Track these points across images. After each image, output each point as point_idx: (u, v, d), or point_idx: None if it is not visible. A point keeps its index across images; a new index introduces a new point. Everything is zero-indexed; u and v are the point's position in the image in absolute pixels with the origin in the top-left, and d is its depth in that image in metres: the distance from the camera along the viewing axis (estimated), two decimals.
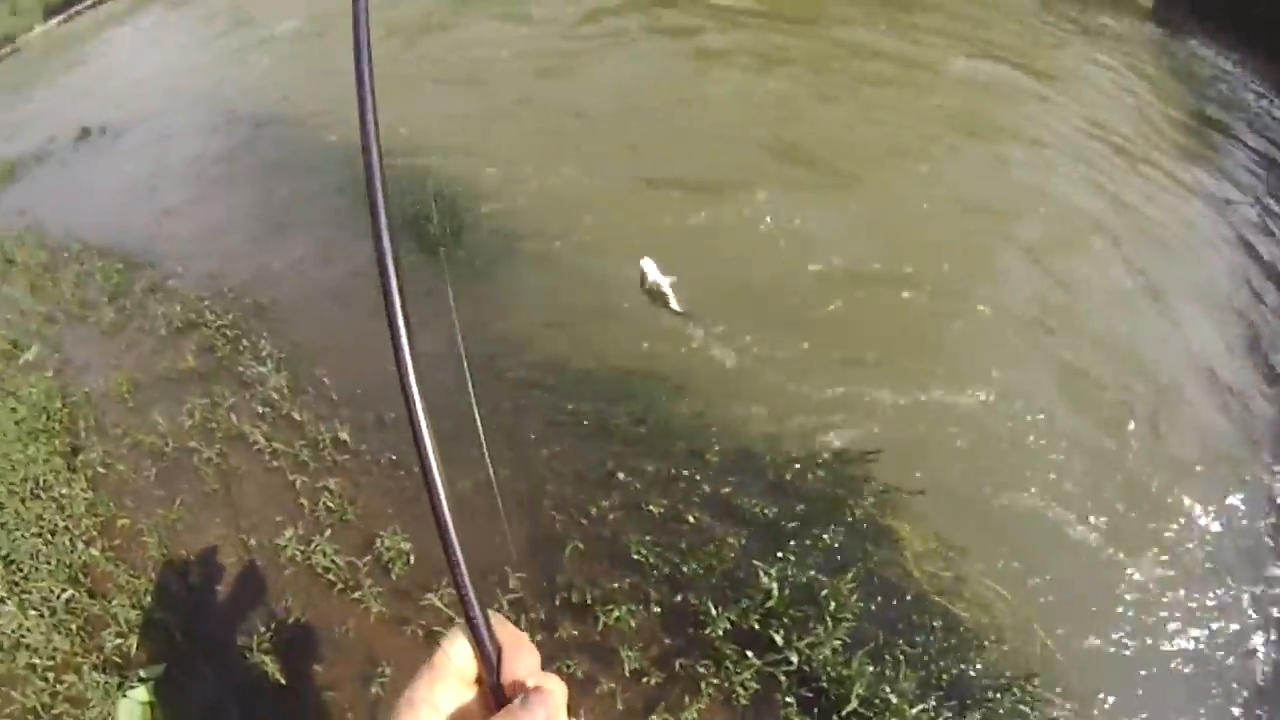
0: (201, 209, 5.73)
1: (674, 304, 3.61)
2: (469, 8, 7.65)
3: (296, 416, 3.92)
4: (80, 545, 3.85)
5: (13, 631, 3.82)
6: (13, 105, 9.68)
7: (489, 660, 0.46)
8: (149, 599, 3.59)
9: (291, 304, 4.48)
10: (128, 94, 8.27)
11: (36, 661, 3.73)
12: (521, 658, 0.47)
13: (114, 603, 3.66)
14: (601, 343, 3.61)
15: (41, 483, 4.27)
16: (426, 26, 7.17)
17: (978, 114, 5.06)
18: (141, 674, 3.40)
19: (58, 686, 3.57)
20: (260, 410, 4.04)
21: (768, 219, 3.92)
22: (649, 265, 3.75)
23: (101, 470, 4.15)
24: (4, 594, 3.94)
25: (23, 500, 4.24)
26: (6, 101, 9.83)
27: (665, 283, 3.64)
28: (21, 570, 4.03)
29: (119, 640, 3.50)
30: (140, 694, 3.39)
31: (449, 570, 0.47)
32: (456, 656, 0.48)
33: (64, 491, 4.11)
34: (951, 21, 6.40)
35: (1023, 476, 2.74)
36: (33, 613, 3.84)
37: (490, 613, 0.49)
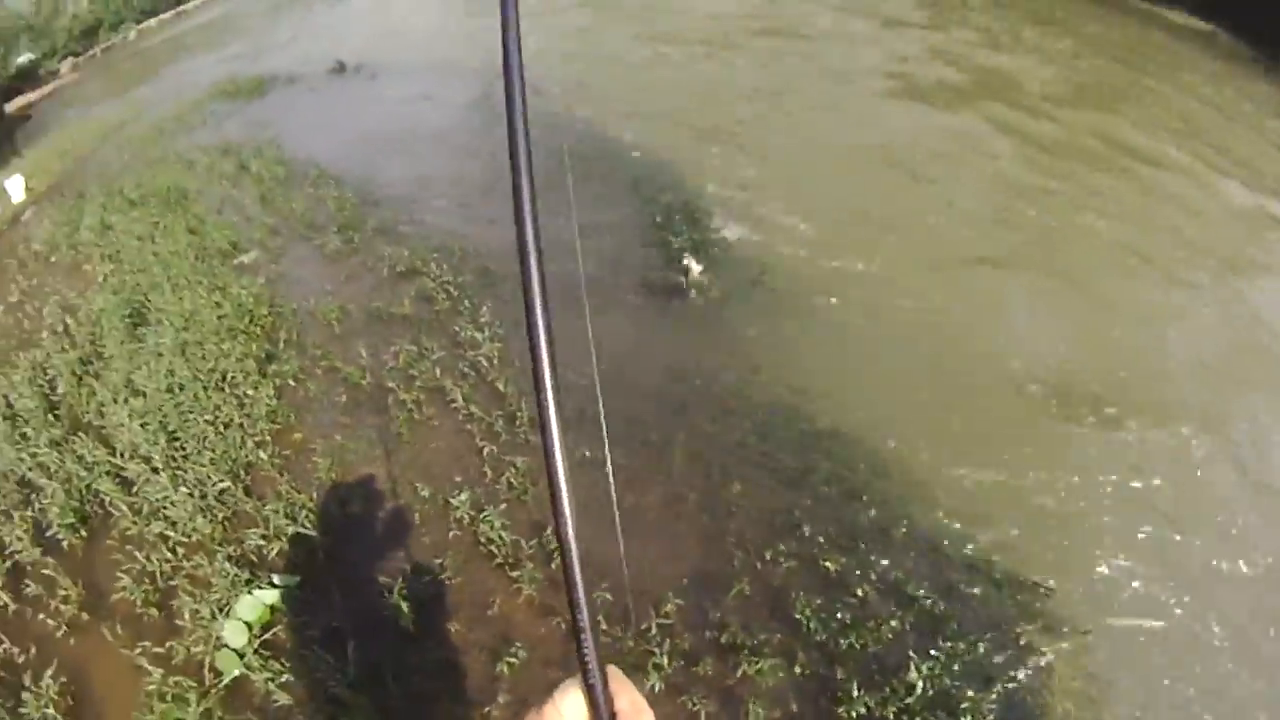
0: (445, 165, 7.39)
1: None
2: None
3: (500, 388, 4.70)
4: (250, 444, 4.68)
5: (156, 499, 4.82)
6: (270, 30, 13.35)
7: None
8: (303, 514, 4.22)
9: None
10: (385, 40, 11.34)
11: (171, 534, 4.56)
12: None
13: (267, 507, 4.42)
14: (824, 402, 4.32)
15: (228, 378, 5.16)
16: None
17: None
18: (275, 579, 3.93)
19: (184, 563, 4.40)
20: (465, 371, 4.85)
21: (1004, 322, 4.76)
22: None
23: (291, 383, 5.12)
24: (160, 465, 5.02)
25: (205, 388, 5.17)
26: (264, 25, 13.62)
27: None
28: (184, 450, 5.03)
29: (261, 542, 4.11)
30: (267, 595, 3.85)
31: (573, 631, 0.54)
32: (568, 713, 0.54)
33: (249, 392, 5.05)
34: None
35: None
36: (183, 490, 4.80)
37: (611, 669, 0.55)
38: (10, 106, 18.79)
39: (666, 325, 5.22)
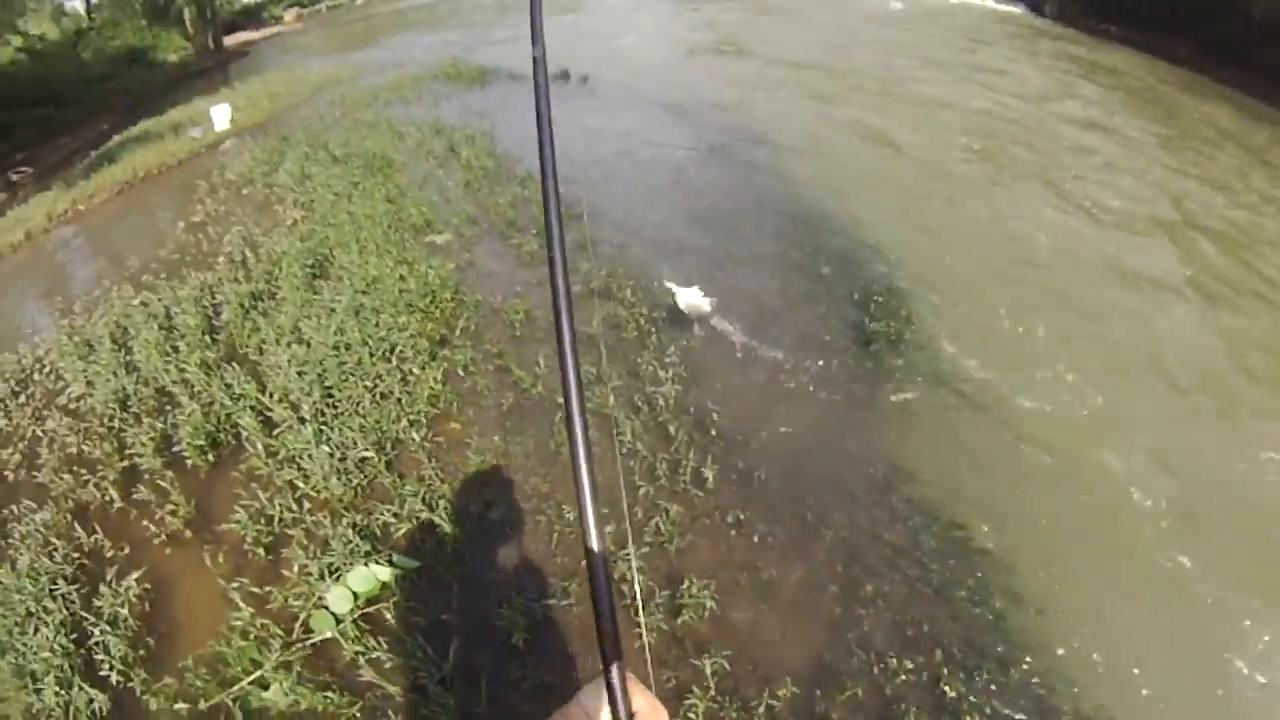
0: (655, 193, 9.13)
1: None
2: None
3: (671, 430, 5.56)
4: (404, 422, 5.65)
5: (294, 447, 6.34)
6: (494, 25, 16.74)
7: None
8: (441, 504, 4.95)
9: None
10: (612, 56, 14.09)
11: (300, 485, 5.86)
12: None
13: (406, 486, 5.53)
14: (986, 523, 5.06)
15: (397, 350, 6.21)
16: None
17: None
18: (394, 558, 4.68)
19: (306, 517, 5.65)
20: (639, 406, 5.75)
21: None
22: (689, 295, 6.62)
23: (460, 373, 6.26)
24: (307, 417, 6.63)
25: (371, 355, 6.29)
26: (488, 19, 17.27)
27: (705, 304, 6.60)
28: (336, 409, 6.11)
29: (391, 519, 4.87)
30: (382, 571, 4.52)
31: (596, 627, 0.80)
32: (591, 710, 0.81)
33: (415, 370, 6.12)
34: None
35: None
36: (325, 447, 6.28)
37: (628, 675, 0.80)
38: (230, 40, 24.85)
39: (845, 406, 6.02)
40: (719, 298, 6.91)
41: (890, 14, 14.88)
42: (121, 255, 9.82)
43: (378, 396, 6.01)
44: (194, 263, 8.82)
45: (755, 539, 4.90)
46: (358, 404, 6.02)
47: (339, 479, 5.47)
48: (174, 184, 11.44)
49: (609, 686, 0.81)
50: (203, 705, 4.46)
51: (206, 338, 7.37)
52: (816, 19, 14.91)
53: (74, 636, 5.05)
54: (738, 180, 9.30)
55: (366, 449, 5.64)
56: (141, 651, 4.94)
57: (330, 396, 6.15)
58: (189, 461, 6.13)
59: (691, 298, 6.69)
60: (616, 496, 4.92)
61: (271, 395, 6.29)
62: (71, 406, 7.27)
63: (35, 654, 4.90)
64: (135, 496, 5.94)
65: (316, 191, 9.36)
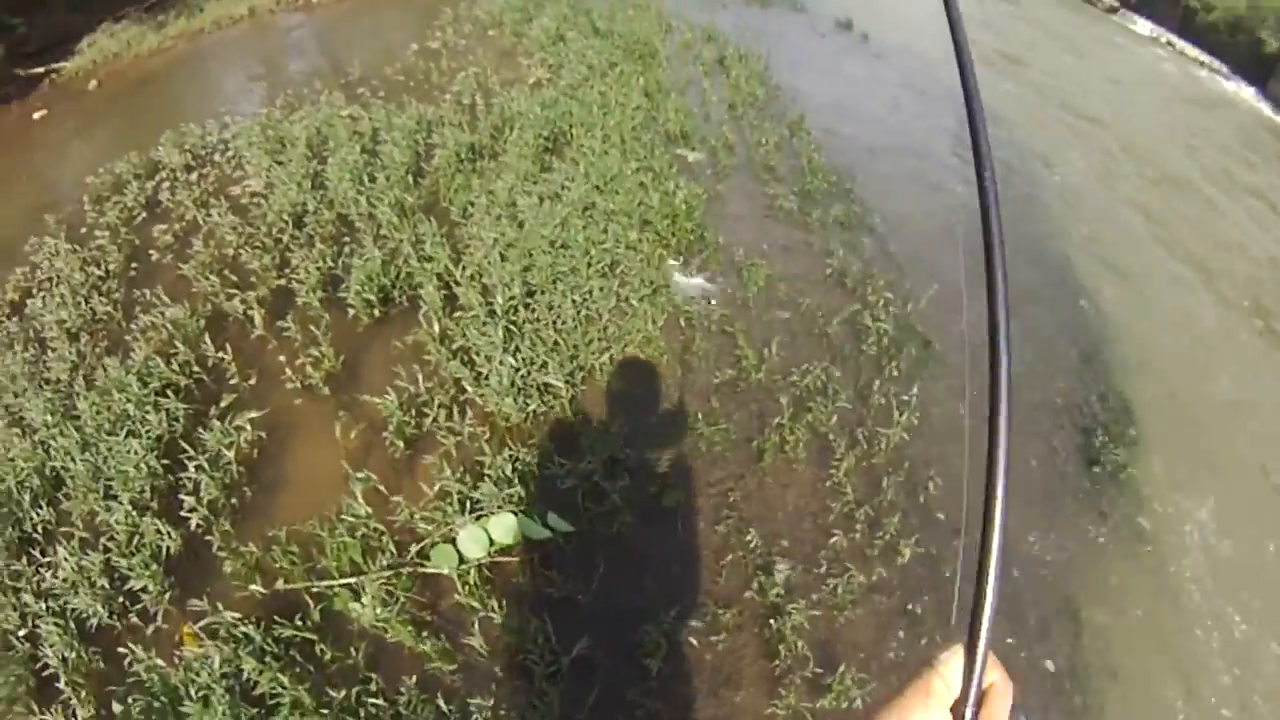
0: (942, 195, 8.33)
1: None
2: None
3: (882, 482, 4.83)
4: (605, 358, 5.18)
5: (473, 340, 5.60)
6: None
7: (976, 696, 0.81)
8: (618, 469, 4.52)
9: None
10: (903, 21, 12.87)
11: (469, 388, 5.13)
12: (1002, 704, 0.82)
13: (583, 437, 4.98)
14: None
15: (617, 269, 5.62)
16: None
17: None
18: (549, 515, 4.19)
19: (464, 428, 4.70)
20: (859, 440, 5.01)
21: None
22: None
23: (680, 323, 5.71)
24: (498, 311, 5.75)
25: (590, 263, 5.60)
26: None
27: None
28: (533, 313, 5.19)
29: (558, 470, 4.58)
30: (531, 526, 4.16)
31: (975, 591, 0.81)
32: (949, 681, 0.83)
33: (633, 301, 5.53)
34: None
35: None
36: (509, 358, 5.39)
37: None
38: None
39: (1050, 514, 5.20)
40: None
41: (1164, 78, 12.57)
42: (343, 60, 9.47)
43: (583, 317, 5.27)
44: (417, 91, 8.36)
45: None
46: (558, 317, 5.42)
47: (514, 399, 4.89)
48: (417, 2, 10.78)
49: (969, 656, 0.81)
50: (280, 585, 4.14)
51: (409, 178, 6.96)
52: (1097, 54, 13.36)
53: (165, 461, 4.76)
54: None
55: (554, 375, 5.00)
56: (234, 501, 4.62)
57: (530, 296, 5.58)
58: (351, 311, 5.72)
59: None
60: (807, 537, 4.65)
61: (464, 269, 5.79)
62: (243, 202, 7.09)
63: (118, 464, 4.63)
64: (280, 326, 5.61)
65: (569, 58, 8.83)
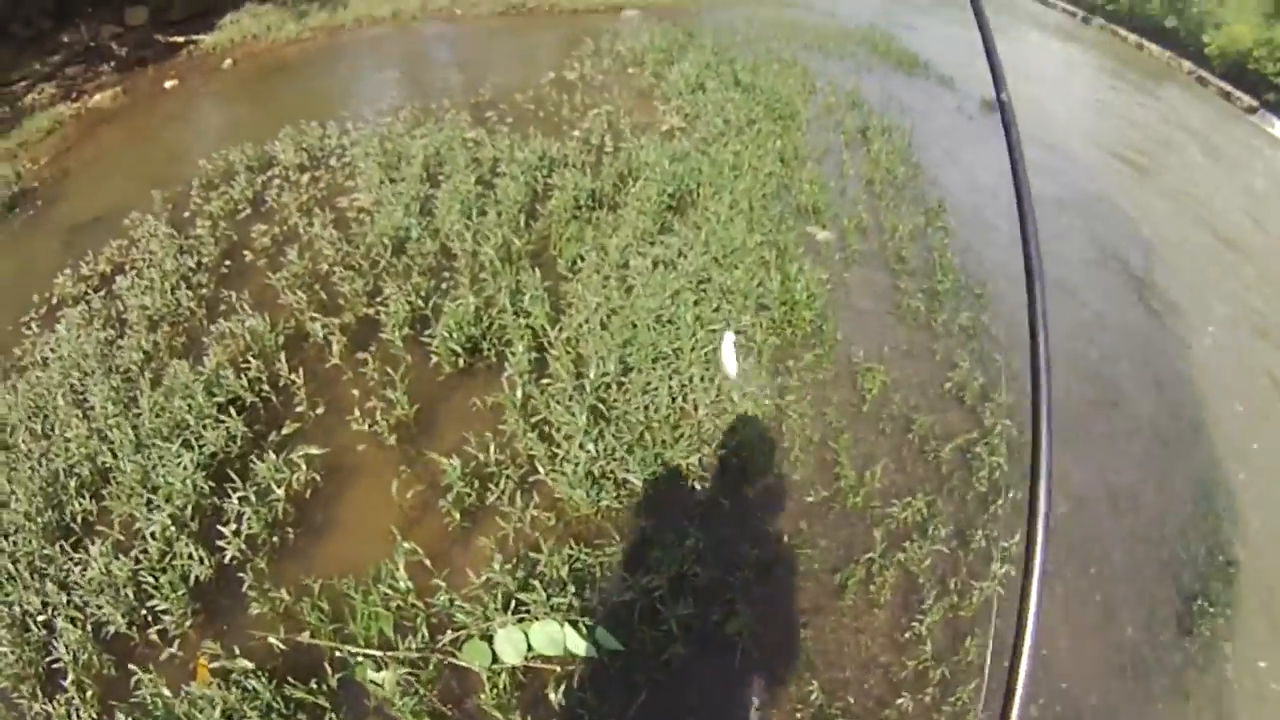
0: (1085, 311, 7.81)
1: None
2: None
3: (963, 613, 4.46)
4: (695, 459, 4.88)
5: (556, 417, 4.87)
6: (925, 14, 15.57)
7: None
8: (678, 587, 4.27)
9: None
10: (1051, 112, 12.33)
11: (540, 467, 4.81)
12: None
13: (656, 549, 4.60)
14: None
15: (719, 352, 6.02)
16: None
17: None
18: (598, 631, 3.95)
19: (529, 511, 4.43)
20: (949, 586, 4.65)
21: None
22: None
23: (779, 425, 5.36)
24: (589, 387, 5.46)
25: (694, 346, 5.44)
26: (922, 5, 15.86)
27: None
28: (626, 393, 5.04)
29: (618, 583, 4.34)
30: (575, 640, 3.91)
31: None
32: None
33: (734, 395, 5.32)
34: None
35: None
36: (589, 446, 4.95)
37: None
38: None
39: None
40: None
41: None
42: (476, 79, 9.62)
43: (678, 407, 5.15)
44: (545, 123, 8.35)
45: None
46: (652, 403, 5.17)
47: (587, 491, 4.63)
48: (560, 29, 11.20)
49: None
50: (303, 639, 4.02)
51: (521, 217, 6.90)
52: (1235, 158, 12.63)
53: (213, 482, 4.70)
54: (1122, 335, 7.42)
55: (635, 470, 4.76)
56: (275, 539, 4.52)
57: (626, 374, 5.35)
58: (434, 357, 5.58)
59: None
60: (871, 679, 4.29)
61: (560, 332, 5.62)
62: (348, 215, 7.15)
63: (167, 474, 4.62)
64: (359, 359, 5.55)
65: (706, 109, 8.75)
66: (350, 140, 8.05)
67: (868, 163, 8.58)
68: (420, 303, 5.93)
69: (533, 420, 5.02)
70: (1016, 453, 5.43)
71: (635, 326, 5.54)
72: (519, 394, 5.19)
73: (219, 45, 11.68)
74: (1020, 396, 5.81)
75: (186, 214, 7.49)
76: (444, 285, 6.13)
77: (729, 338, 5.67)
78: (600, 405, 5.08)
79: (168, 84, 10.71)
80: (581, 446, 4.71)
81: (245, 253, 6.76)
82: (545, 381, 5.25)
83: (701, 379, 5.30)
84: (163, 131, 9.52)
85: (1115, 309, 7.66)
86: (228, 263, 6.81)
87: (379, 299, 6.01)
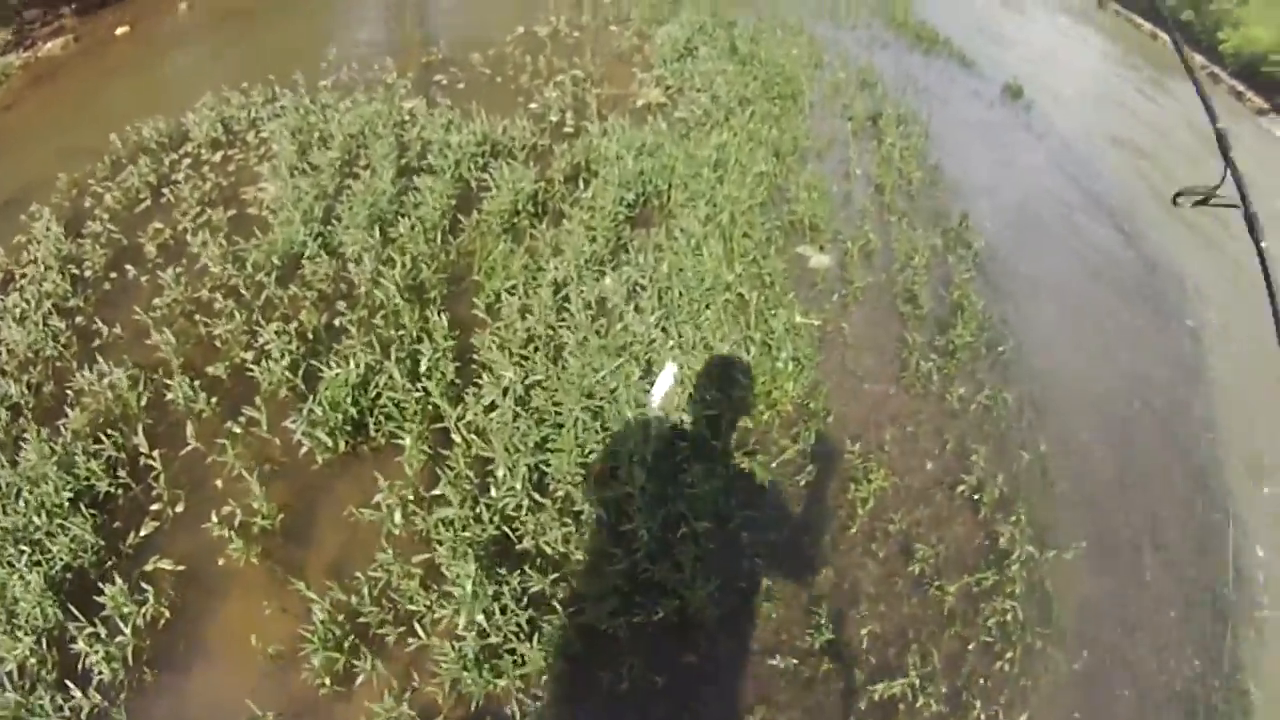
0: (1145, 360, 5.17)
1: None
2: None
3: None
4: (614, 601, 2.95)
5: (435, 531, 3.01)
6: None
7: None
8: None
9: None
10: (1075, 94, 9.34)
11: (426, 607, 2.84)
12: None
13: None
14: None
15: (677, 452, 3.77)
16: None
17: None
18: None
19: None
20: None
21: None
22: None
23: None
24: (496, 498, 3.36)
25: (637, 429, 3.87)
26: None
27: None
28: (540, 504, 3.21)
29: None
30: None
31: None
32: None
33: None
34: None
35: None
36: (478, 587, 3.07)
37: None
38: None
39: None
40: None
41: None
42: (436, 30, 7.02)
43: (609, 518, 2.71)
44: (497, 94, 6.03)
45: None
46: (578, 528, 3.15)
47: (480, 672, 2.73)
48: None
49: None
50: None
51: (444, 224, 4.71)
52: None
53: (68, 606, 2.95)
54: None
55: (524, 611, 2.86)
56: (133, 681, 2.85)
57: (543, 488, 3.30)
58: (302, 446, 3.50)
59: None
60: None
61: (464, 412, 3.54)
62: (249, 212, 5.00)
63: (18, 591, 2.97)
64: (227, 432, 3.57)
65: (693, 81, 6.31)
66: (271, 111, 5.56)
67: (878, 162, 6.07)
68: (301, 351, 3.91)
69: (415, 560, 3.06)
70: (1034, 585, 3.47)
71: (559, 412, 3.28)
72: (398, 517, 3.20)
73: None
74: (1049, 507, 3.57)
75: (88, 202, 5.30)
76: (336, 325, 4.06)
77: (670, 370, 3.71)
78: (507, 535, 3.14)
79: (119, 30, 8.07)
80: (473, 597, 2.81)
81: (129, 267, 4.66)
82: (439, 493, 3.23)
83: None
84: (99, 92, 7.09)
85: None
86: (113, 275, 4.69)
87: (258, 343, 3.98)
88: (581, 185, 4.77)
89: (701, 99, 5.89)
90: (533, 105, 5.82)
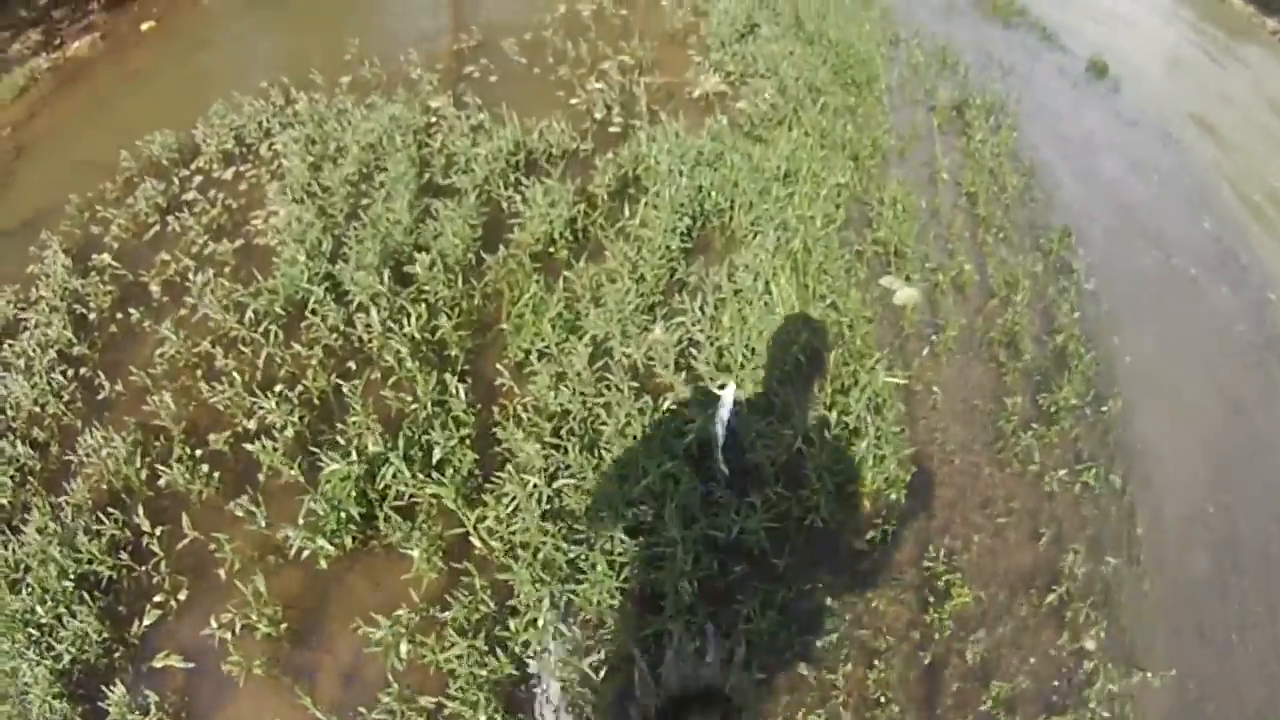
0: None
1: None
2: None
3: None
4: None
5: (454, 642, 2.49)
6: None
7: None
8: None
9: None
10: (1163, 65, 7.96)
11: None
12: None
13: None
14: None
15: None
16: None
17: None
18: None
19: None
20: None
21: None
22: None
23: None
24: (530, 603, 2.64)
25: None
26: None
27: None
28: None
29: None
30: None
31: None
32: None
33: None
34: None
35: None
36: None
37: None
38: None
39: None
40: None
41: None
42: (466, 10, 6.51)
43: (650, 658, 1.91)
44: (535, 87, 5.31)
45: None
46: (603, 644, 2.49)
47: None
48: None
49: None
50: None
51: (468, 259, 3.96)
52: None
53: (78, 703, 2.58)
54: None
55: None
56: None
57: (571, 603, 2.61)
58: (303, 551, 2.91)
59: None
60: None
61: (480, 518, 2.88)
62: (256, 243, 4.37)
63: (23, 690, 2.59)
64: (227, 513, 3.08)
65: (756, 65, 5.29)
66: (286, 118, 4.88)
67: (968, 163, 5.02)
68: (306, 423, 3.34)
69: (422, 700, 2.49)
70: None
71: (595, 525, 2.52)
72: (403, 650, 2.60)
73: None
74: (1139, 615, 3.01)
75: (96, 229, 4.81)
76: (346, 388, 3.34)
77: (730, 393, 3.15)
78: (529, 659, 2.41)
79: (144, 26, 7.49)
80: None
81: (133, 310, 4.12)
82: (453, 614, 2.64)
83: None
84: (119, 99, 6.57)
85: None
86: (119, 316, 4.17)
87: (260, 412, 3.38)
88: (628, 206, 3.92)
89: (766, 89, 4.94)
90: (574, 101, 4.97)
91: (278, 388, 3.43)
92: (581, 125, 4.74)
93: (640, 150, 4.20)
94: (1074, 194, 5.03)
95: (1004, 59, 6.60)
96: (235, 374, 3.47)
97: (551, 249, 3.88)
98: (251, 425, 3.40)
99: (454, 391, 3.15)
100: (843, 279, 3.71)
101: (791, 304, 3.44)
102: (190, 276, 4.16)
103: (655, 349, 3.26)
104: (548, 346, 3.32)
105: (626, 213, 3.90)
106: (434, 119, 4.87)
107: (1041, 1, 7.95)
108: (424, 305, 3.54)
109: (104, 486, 3.29)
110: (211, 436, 3.37)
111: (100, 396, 3.74)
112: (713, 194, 3.97)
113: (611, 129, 4.74)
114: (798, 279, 3.57)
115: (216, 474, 3.24)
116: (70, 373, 3.85)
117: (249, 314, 3.74)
